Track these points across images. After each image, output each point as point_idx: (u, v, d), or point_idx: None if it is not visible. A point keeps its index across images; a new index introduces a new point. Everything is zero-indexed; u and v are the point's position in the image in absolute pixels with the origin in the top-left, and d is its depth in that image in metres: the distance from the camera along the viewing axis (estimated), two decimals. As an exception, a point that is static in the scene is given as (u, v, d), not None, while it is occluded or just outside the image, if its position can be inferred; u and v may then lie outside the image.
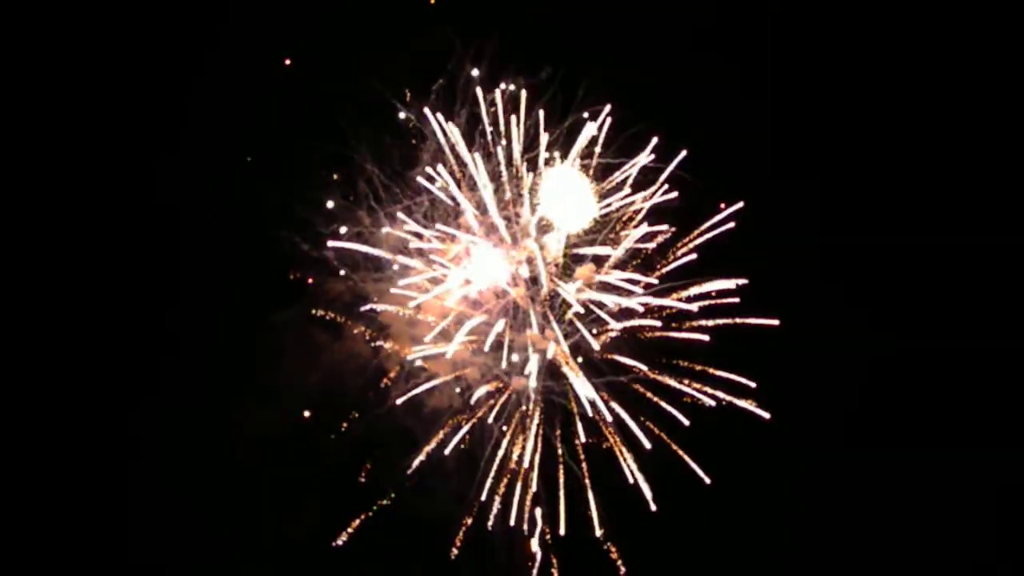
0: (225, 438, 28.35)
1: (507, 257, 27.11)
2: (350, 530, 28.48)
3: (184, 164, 28.84)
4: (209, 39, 28.66)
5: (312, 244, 27.56)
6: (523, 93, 26.76)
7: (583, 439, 27.54)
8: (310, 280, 28.48)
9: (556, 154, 27.17)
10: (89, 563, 27.82)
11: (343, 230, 27.23)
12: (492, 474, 27.76)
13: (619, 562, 28.23)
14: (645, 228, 27.61)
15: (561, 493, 28.00)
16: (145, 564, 28.21)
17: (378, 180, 26.79)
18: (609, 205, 27.72)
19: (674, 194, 27.80)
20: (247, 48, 28.41)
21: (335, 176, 27.42)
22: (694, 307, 27.60)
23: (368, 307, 27.91)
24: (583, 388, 27.18)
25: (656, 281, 27.55)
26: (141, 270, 28.96)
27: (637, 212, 27.97)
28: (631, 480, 27.42)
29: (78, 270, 28.54)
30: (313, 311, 28.30)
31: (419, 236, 26.95)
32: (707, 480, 27.47)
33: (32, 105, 28.46)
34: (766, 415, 27.51)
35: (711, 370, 27.59)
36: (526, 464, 27.71)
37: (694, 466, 27.43)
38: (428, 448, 28.07)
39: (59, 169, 28.86)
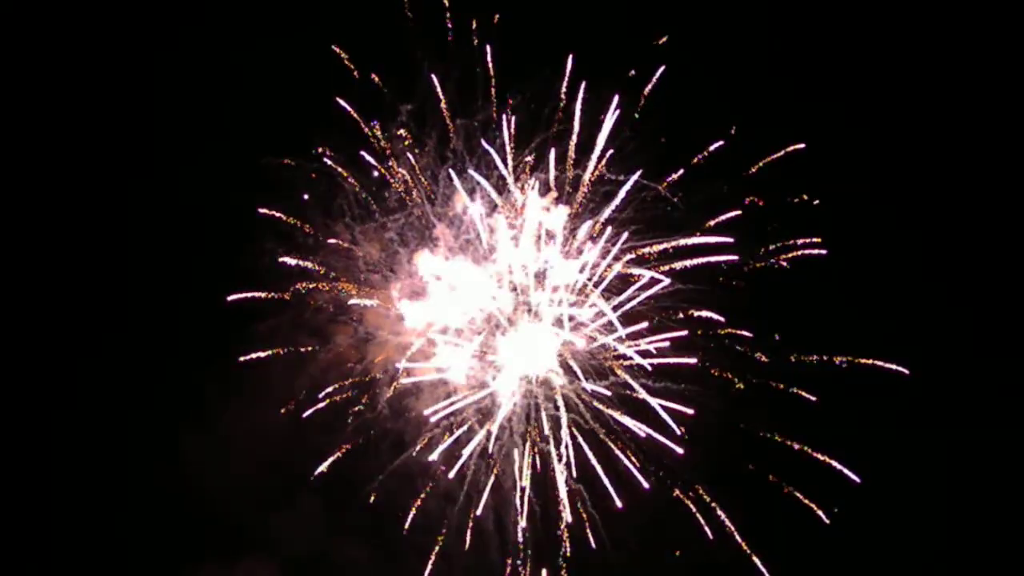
0: (217, 441, 29.25)
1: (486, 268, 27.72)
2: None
3: (176, 178, 29.57)
4: (190, 56, 29.14)
5: (295, 255, 28.32)
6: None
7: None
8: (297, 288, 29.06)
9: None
10: (85, 562, 28.98)
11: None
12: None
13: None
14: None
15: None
16: (141, 563, 29.32)
17: (353, 197, 27.47)
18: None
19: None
20: (232, 64, 28.96)
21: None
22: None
23: (352, 315, 28.64)
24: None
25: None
26: (132, 279, 29.76)
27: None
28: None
29: (72, 278, 29.35)
30: (299, 319, 28.93)
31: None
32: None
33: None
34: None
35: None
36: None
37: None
38: (415, 450, 28.79)
39: (50, 177, 29.55)
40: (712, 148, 27.71)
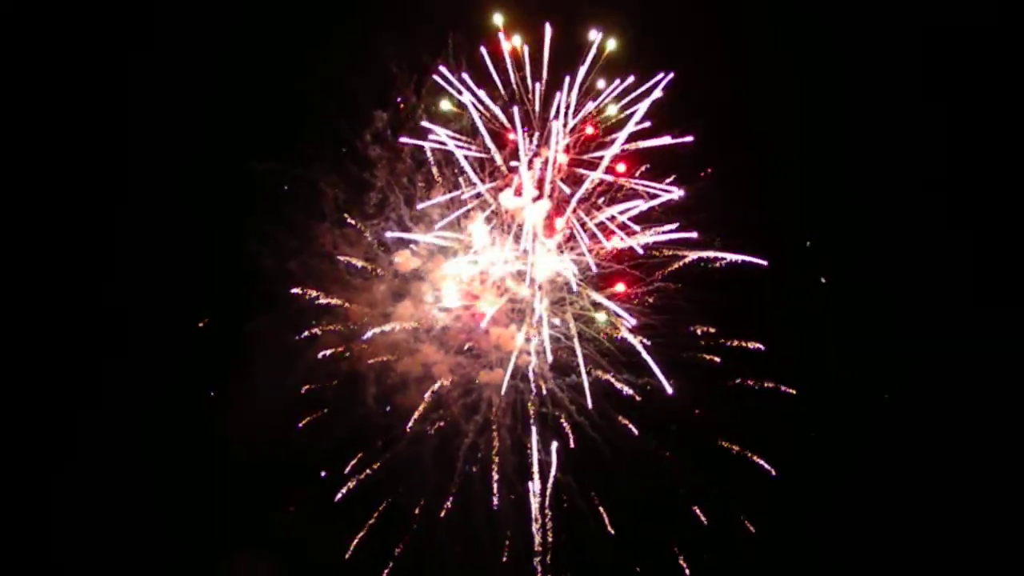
0: (208, 439, 29.60)
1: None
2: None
3: (166, 181, 29.72)
4: (170, 60, 29.18)
5: (280, 258, 28.72)
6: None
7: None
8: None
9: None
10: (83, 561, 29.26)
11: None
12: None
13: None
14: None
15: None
16: (140, 562, 29.80)
17: (335, 203, 27.94)
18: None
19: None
20: (213, 69, 29.03)
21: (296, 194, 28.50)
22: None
23: (338, 315, 29.01)
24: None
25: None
26: (113, 283, 29.83)
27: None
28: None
29: (49, 283, 29.41)
30: (285, 319, 29.16)
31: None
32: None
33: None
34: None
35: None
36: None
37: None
38: (403, 444, 29.16)
39: (28, 180, 29.51)
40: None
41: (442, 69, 27.57)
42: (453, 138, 27.38)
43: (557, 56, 27.56)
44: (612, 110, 27.88)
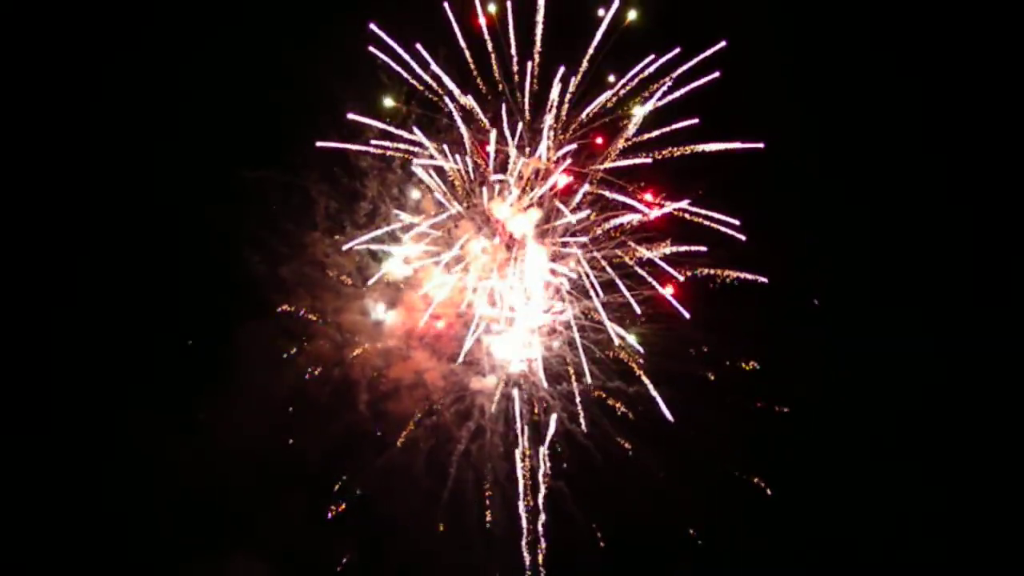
0: (202, 444, 29.70)
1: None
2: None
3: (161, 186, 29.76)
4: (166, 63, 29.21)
5: (272, 264, 28.75)
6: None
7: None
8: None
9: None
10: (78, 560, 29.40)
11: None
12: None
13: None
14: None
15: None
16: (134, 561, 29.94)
17: (326, 211, 27.99)
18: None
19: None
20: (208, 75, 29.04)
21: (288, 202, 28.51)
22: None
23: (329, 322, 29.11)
24: None
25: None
26: (110, 285, 29.81)
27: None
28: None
29: (46, 287, 29.51)
30: (277, 326, 29.27)
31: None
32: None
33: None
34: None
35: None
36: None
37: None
38: (396, 451, 29.20)
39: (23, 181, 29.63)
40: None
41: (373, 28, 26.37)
42: (440, 149, 27.40)
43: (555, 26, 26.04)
44: (636, 110, 26.93)
